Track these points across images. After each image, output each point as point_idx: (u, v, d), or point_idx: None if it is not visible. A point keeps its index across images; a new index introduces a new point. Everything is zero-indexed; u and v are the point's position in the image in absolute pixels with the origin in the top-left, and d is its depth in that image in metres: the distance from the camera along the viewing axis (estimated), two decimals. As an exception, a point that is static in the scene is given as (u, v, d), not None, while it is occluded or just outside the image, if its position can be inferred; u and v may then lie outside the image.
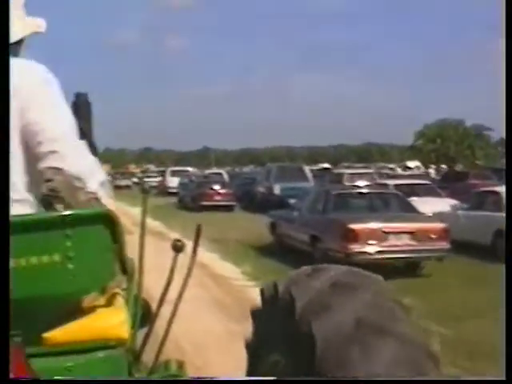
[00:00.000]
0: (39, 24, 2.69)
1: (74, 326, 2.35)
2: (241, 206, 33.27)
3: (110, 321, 2.46)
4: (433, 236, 12.58)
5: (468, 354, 7.21)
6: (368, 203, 14.59)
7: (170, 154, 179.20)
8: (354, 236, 12.14)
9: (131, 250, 2.57)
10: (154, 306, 2.85)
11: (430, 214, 15.87)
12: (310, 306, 2.54)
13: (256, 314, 3.09)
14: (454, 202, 18.90)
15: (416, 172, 45.94)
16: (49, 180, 2.80)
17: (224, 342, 7.50)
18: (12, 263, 2.13)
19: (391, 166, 68.12)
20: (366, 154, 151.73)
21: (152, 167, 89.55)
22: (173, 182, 46.98)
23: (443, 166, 55.34)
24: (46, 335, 2.31)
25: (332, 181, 30.65)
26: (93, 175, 2.50)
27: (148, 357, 2.78)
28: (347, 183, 26.76)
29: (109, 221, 2.30)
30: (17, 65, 2.45)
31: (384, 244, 12.32)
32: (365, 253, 12.09)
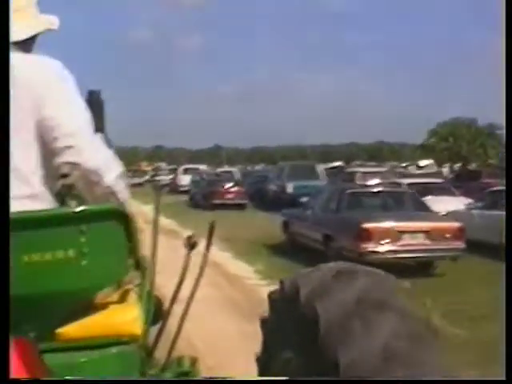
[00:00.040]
0: (52, 21, 2.68)
1: (88, 322, 2.36)
2: (252, 205, 33.19)
3: (123, 317, 2.47)
4: (448, 235, 12.50)
5: (483, 354, 7.13)
6: (382, 202, 14.53)
7: (182, 152, 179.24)
8: (368, 235, 12.08)
9: (143, 248, 2.57)
10: (166, 303, 2.84)
11: (445, 213, 15.78)
12: (313, 291, 2.57)
13: (266, 315, 3.08)
14: (467, 201, 18.76)
15: (429, 171, 45.63)
16: (65, 175, 2.82)
17: (236, 341, 7.47)
18: (26, 258, 2.15)
19: (404, 164, 67.77)
20: (377, 153, 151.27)
21: (163, 165, 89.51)
22: (184, 180, 47.00)
23: (456, 164, 55.08)
24: (60, 331, 2.32)
25: (344, 179, 30.47)
26: (109, 169, 2.49)
27: (161, 353, 2.78)
28: (360, 182, 26.64)
29: (123, 217, 2.32)
30: (32, 60, 2.48)
31: (398, 243, 12.25)
32: (379, 252, 12.04)
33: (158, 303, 2.90)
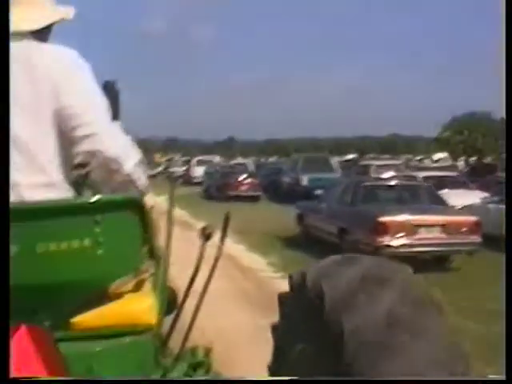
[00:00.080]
0: (68, 11, 2.70)
1: (103, 311, 2.38)
2: (266, 197, 33.11)
3: (137, 306, 2.48)
4: (464, 229, 12.38)
5: (499, 349, 7.01)
6: (397, 195, 14.43)
7: (195, 144, 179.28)
8: (383, 229, 11.99)
9: (158, 238, 2.60)
10: (179, 294, 2.87)
11: (460, 207, 15.67)
12: (319, 274, 2.57)
13: (283, 301, 3.02)
14: (483, 194, 18.60)
15: (443, 164, 45.38)
16: (83, 165, 2.88)
17: (249, 333, 7.44)
18: (42, 248, 2.17)
19: (418, 157, 67.47)
20: (391, 146, 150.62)
21: (177, 157, 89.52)
22: (198, 171, 46.99)
23: (472, 158, 54.75)
24: (75, 320, 2.34)
25: (358, 172, 30.37)
26: (128, 157, 2.52)
27: (174, 344, 2.79)
28: (374, 175, 26.51)
29: (138, 206, 2.34)
30: (49, 50, 2.52)
31: (414, 237, 12.16)
32: (394, 246, 11.94)
33: (172, 293, 2.92)
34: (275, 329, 3.08)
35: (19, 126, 2.38)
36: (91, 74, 2.53)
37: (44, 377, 2.06)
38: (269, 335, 3.15)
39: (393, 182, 15.47)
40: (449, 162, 49.51)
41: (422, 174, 21.99)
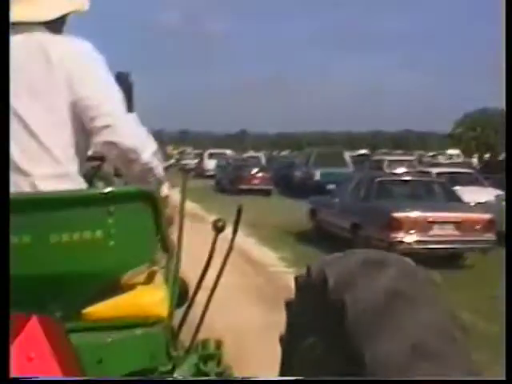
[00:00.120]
0: (83, 2, 2.68)
1: (114, 302, 2.40)
2: (278, 191, 33.01)
3: (149, 298, 2.51)
4: (478, 227, 12.29)
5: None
6: (412, 191, 14.35)
7: (207, 137, 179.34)
8: (398, 225, 11.91)
9: (171, 230, 2.61)
10: (191, 286, 2.91)
11: (475, 204, 15.54)
12: (341, 281, 2.53)
13: (291, 301, 3.02)
14: (497, 192, 18.42)
15: (456, 160, 45.16)
16: (96, 157, 3.06)
17: (259, 328, 7.38)
18: (54, 239, 2.19)
19: (431, 153, 67.23)
20: (403, 141, 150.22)
21: (189, 149, 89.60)
22: (210, 164, 46.97)
23: (486, 155, 54.51)
24: (86, 311, 2.37)
25: (372, 167, 30.23)
26: (145, 146, 2.53)
27: (185, 336, 2.82)
28: (387, 170, 26.38)
29: (151, 198, 2.35)
30: (64, 41, 2.53)
31: (428, 234, 12.08)
32: (408, 242, 11.86)
33: (184, 286, 2.96)
34: (289, 316, 3.07)
35: (33, 117, 2.39)
36: (106, 66, 2.55)
37: (44, 377, 2.02)
38: (279, 330, 3.12)
39: (407, 178, 15.37)
40: (461, 159, 49.27)
41: (435, 170, 21.81)
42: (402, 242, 11.81)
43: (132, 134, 2.49)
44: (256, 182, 32.65)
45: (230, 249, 2.71)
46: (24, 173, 2.38)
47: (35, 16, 2.51)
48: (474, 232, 12.27)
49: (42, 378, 2.00)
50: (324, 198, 17.41)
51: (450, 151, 62.31)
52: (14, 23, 2.46)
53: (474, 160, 49.56)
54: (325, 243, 13.95)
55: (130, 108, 2.63)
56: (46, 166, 2.40)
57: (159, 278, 2.65)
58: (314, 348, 2.66)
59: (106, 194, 2.28)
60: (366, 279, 2.50)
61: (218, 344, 2.85)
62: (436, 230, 12.17)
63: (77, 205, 2.25)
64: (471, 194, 16.90)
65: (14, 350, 1.94)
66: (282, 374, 3.06)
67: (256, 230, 16.55)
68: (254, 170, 33.42)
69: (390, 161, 31.54)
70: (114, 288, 2.41)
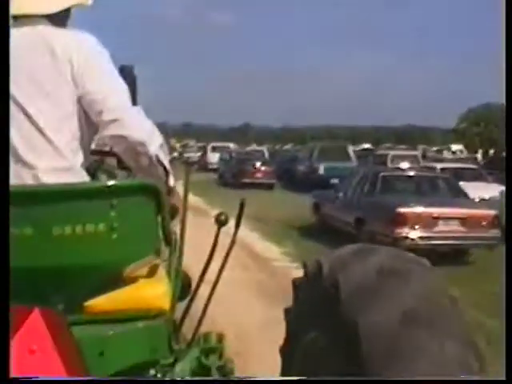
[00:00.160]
0: None
1: (116, 295, 2.41)
2: (280, 185, 32.93)
3: (151, 291, 2.52)
4: (484, 223, 12.22)
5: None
6: (416, 187, 14.26)
7: (210, 130, 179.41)
8: (403, 220, 11.84)
9: (175, 222, 2.64)
10: (193, 279, 2.94)
11: (479, 200, 15.47)
12: (335, 265, 2.55)
13: (298, 288, 2.99)
14: (501, 187, 18.33)
15: (461, 156, 44.99)
16: (100, 151, 3.11)
17: (261, 324, 7.33)
18: (57, 231, 2.19)
19: (434, 148, 67.06)
20: (406, 136, 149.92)
21: (192, 142, 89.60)
22: (213, 157, 46.90)
23: (490, 150, 54.37)
24: (88, 303, 2.37)
25: (375, 162, 30.12)
26: (152, 139, 2.54)
27: (187, 330, 2.86)
28: (391, 165, 26.28)
29: (153, 192, 2.34)
30: (68, 35, 2.53)
31: (433, 230, 12.01)
32: (413, 238, 11.79)
33: (186, 279, 2.97)
34: (289, 314, 3.06)
35: (37, 110, 2.40)
36: (110, 59, 2.57)
37: (44, 377, 1.99)
38: (281, 325, 3.11)
39: (412, 173, 15.28)
40: (464, 154, 49.11)
41: (439, 166, 21.73)
42: (406, 237, 11.75)
43: (139, 128, 2.50)
44: (259, 175, 32.58)
45: (233, 243, 2.72)
46: (28, 165, 2.39)
47: (38, 9, 2.52)
48: (479, 228, 12.19)
49: (42, 378, 1.97)
50: (328, 192, 17.31)
51: (454, 146, 62.10)
52: (16, 16, 2.47)
53: (478, 156, 49.42)
54: (328, 238, 13.83)
55: (133, 101, 2.63)
56: (50, 159, 2.41)
57: (161, 271, 2.65)
58: (316, 342, 2.64)
59: (108, 187, 2.29)
60: (358, 262, 2.53)
61: (220, 337, 2.86)
62: (441, 226, 12.09)
63: (79, 197, 2.25)
64: (475, 190, 16.80)
65: (16, 342, 1.93)
66: (283, 370, 3.06)
67: (259, 224, 16.49)
68: (257, 164, 33.33)
69: (394, 155, 31.38)
70: (116, 281, 2.41)
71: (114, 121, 2.44)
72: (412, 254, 2.71)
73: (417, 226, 11.86)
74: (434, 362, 2.17)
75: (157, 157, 2.55)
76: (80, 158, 2.53)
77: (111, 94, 2.48)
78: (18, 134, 2.38)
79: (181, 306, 2.82)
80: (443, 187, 14.23)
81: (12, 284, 1.99)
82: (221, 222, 2.63)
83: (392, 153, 33.16)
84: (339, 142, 46.16)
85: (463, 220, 12.23)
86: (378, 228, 12.46)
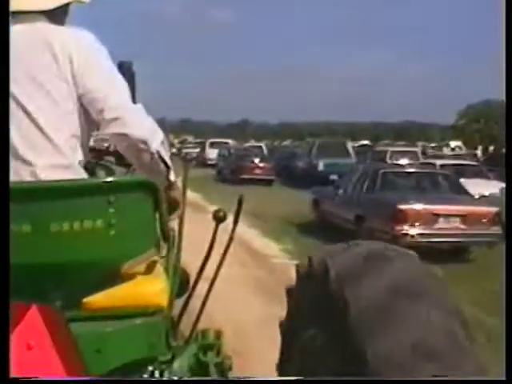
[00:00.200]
0: None
1: (114, 292, 2.41)
2: (279, 181, 32.88)
3: (149, 288, 2.52)
4: (485, 220, 12.17)
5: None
6: (417, 183, 14.22)
7: (209, 126, 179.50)
8: (403, 217, 11.80)
9: (174, 218, 2.65)
10: (191, 276, 2.94)
11: (480, 197, 15.44)
12: (343, 274, 2.52)
13: (291, 291, 3.03)
14: (502, 184, 18.28)
15: (461, 152, 44.96)
16: (98, 149, 3.14)
17: (260, 321, 7.30)
18: (55, 228, 2.19)
19: (432, 144, 67.06)
20: (404, 132, 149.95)
21: (190, 138, 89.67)
22: (212, 153, 46.84)
23: (491, 147, 54.37)
24: (86, 300, 2.37)
25: (374, 158, 30.07)
26: (154, 137, 2.55)
27: (185, 326, 2.86)
28: (390, 161, 26.25)
29: (151, 188, 2.35)
30: (67, 32, 2.53)
31: (433, 227, 11.96)
32: (413, 235, 11.74)
33: (184, 276, 2.98)
34: (290, 308, 3.07)
35: (37, 107, 2.40)
36: (109, 56, 2.58)
37: (44, 377, 1.99)
38: (279, 321, 3.12)
39: (412, 170, 15.26)
40: (463, 151, 49.09)
41: (439, 162, 21.69)
42: (406, 234, 11.71)
43: (141, 125, 2.51)
44: (258, 171, 32.55)
45: (231, 239, 2.73)
46: (26, 162, 2.39)
47: (35, 5, 2.51)
48: (480, 225, 12.14)
49: (42, 378, 1.96)
50: (327, 188, 17.25)
51: (452, 143, 62.10)
52: (14, 12, 2.46)
53: (478, 152, 49.35)
54: (328, 235, 13.73)
55: (132, 97, 2.63)
56: (49, 157, 2.41)
57: (159, 267, 2.65)
58: (315, 339, 2.64)
59: (106, 183, 2.32)
60: (368, 275, 2.47)
61: (218, 334, 2.87)
62: (442, 223, 12.05)
63: (77, 194, 2.25)
64: (476, 187, 16.76)
65: (14, 339, 1.94)
66: (281, 366, 3.07)
67: (258, 220, 16.43)
68: (256, 160, 33.27)
69: (393, 152, 31.34)
70: (114, 277, 2.41)
71: (116, 119, 2.45)
72: (424, 264, 2.64)
73: (417, 223, 11.82)
74: (420, 330, 2.21)
75: (158, 153, 2.55)
76: (79, 155, 2.52)
77: (112, 92, 2.49)
78: (18, 132, 2.38)
79: (179, 303, 2.83)
80: (444, 184, 14.19)
81: (10, 281, 1.98)
82: (219, 219, 2.64)
83: (391, 149, 33.14)
84: (338, 138, 46.13)
85: (464, 217, 12.19)
86: (378, 225, 12.40)
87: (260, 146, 46.69)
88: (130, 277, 2.46)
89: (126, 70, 2.77)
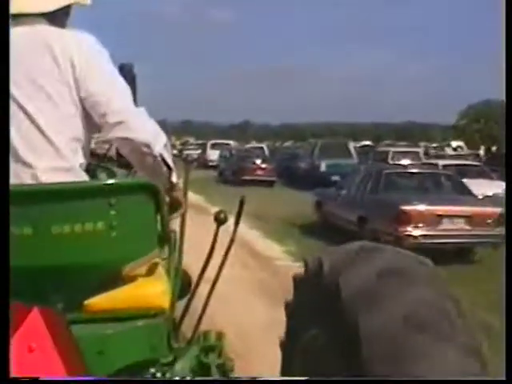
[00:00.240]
0: None
1: (116, 294, 2.41)
2: (281, 182, 32.82)
3: (151, 290, 2.52)
4: (489, 221, 12.06)
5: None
6: (420, 184, 14.12)
7: (210, 127, 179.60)
8: (407, 218, 11.70)
9: (171, 222, 2.64)
10: (193, 278, 2.96)
11: (484, 198, 15.39)
12: (336, 265, 2.53)
13: (298, 284, 3.00)
14: (504, 185, 18.19)
15: (463, 152, 44.89)
16: (97, 153, 3.18)
17: (262, 323, 7.22)
18: (56, 230, 2.20)
19: (434, 144, 67.00)
20: (406, 132, 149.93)
21: (191, 140, 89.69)
22: (213, 155, 46.82)
23: (493, 147, 54.31)
24: (88, 302, 2.38)
25: (376, 159, 30.03)
26: (157, 140, 2.55)
27: (187, 328, 2.87)
28: (392, 162, 26.20)
29: (152, 190, 2.36)
30: (68, 35, 2.52)
31: (437, 228, 11.86)
32: (417, 236, 11.65)
33: (186, 277, 3.00)
34: (290, 311, 3.06)
35: (38, 110, 2.40)
36: (110, 59, 2.58)
37: (44, 377, 1.98)
38: (283, 325, 3.12)
39: (415, 170, 15.16)
40: (465, 151, 49.02)
41: (441, 163, 21.65)
42: (410, 235, 11.61)
43: (144, 129, 2.52)
44: (259, 172, 32.48)
45: (232, 241, 2.74)
46: (27, 165, 2.39)
47: (35, 8, 2.51)
48: (484, 226, 12.03)
49: (42, 378, 1.96)
50: (330, 190, 17.19)
51: (454, 143, 62.05)
52: (14, 15, 2.45)
53: (481, 152, 49.26)
54: (330, 236, 13.67)
55: (133, 99, 2.63)
56: (50, 160, 2.41)
57: (161, 269, 2.66)
58: (317, 339, 2.64)
59: (107, 185, 2.35)
60: (360, 262, 2.49)
61: (219, 336, 2.87)
62: (446, 224, 11.95)
63: (79, 196, 2.26)
64: (478, 187, 16.69)
65: (16, 341, 1.94)
66: (283, 367, 3.06)
67: (260, 222, 16.37)
68: (258, 161, 33.21)
69: (395, 152, 31.29)
70: (115, 280, 2.41)
71: (119, 123, 2.45)
72: (415, 253, 2.67)
73: (421, 224, 11.72)
74: (435, 367, 2.14)
75: (161, 156, 2.55)
76: (80, 158, 2.52)
77: (114, 95, 2.49)
78: (18, 134, 2.38)
79: (180, 305, 2.84)
80: (447, 185, 14.11)
81: (11, 283, 1.98)
82: (220, 220, 2.64)
83: (393, 149, 33.09)
84: (340, 138, 46.07)
85: (468, 218, 12.09)
86: (381, 226, 12.31)
87: (261, 147, 46.66)
88: (132, 279, 2.47)
89: (127, 72, 2.78)
